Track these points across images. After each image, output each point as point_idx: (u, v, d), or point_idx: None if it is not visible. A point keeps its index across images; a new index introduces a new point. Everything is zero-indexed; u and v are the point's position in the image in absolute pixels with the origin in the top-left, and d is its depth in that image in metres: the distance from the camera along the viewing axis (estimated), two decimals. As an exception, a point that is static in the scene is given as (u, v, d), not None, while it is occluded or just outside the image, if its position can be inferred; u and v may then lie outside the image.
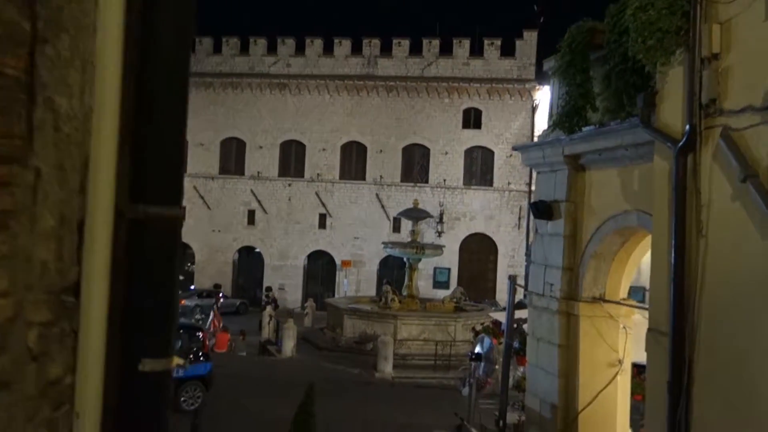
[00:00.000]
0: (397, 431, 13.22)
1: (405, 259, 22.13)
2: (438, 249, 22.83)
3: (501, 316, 17.93)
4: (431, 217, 24.16)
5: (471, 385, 10.61)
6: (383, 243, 24.61)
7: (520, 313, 14.88)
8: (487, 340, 10.37)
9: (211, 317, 22.41)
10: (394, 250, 22.82)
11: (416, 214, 22.03)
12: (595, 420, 7.54)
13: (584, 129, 7.38)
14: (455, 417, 10.03)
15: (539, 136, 8.45)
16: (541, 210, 8.25)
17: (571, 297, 7.77)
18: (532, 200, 8.49)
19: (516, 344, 10.96)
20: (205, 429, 12.01)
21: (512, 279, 10.88)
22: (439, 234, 34.84)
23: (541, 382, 8.38)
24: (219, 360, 19.40)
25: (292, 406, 11.57)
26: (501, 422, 10.37)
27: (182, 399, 13.11)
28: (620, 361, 7.57)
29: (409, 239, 22.31)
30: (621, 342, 7.59)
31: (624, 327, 7.55)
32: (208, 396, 13.60)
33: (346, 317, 20.36)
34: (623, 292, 7.88)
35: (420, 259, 22.09)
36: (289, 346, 19.38)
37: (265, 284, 37.45)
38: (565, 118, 7.52)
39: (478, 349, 10.20)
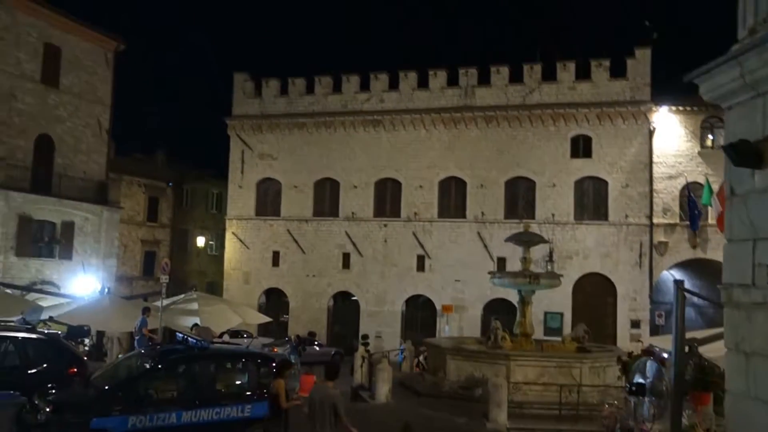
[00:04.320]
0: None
1: (517, 293, 19.17)
2: (556, 278, 19.73)
3: (658, 342, 14.72)
4: (547, 242, 21.15)
5: (630, 430, 7.68)
6: (489, 273, 21.72)
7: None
8: (651, 365, 7.43)
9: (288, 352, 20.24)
10: (503, 281, 19.90)
11: (528, 238, 19.15)
12: None
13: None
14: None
15: (730, 51, 5.57)
16: (744, 153, 5.46)
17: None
18: (727, 142, 5.68)
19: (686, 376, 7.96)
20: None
21: (679, 284, 7.95)
22: (550, 273, 31.49)
23: (757, 420, 5.42)
24: (303, 406, 17.02)
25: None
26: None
27: (250, 446, 10.82)
28: None
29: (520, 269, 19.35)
30: None
31: None
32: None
33: (449, 358, 17.54)
34: None
35: (534, 292, 19.07)
36: (383, 390, 16.74)
37: (362, 332, 34.98)
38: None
39: (638, 378, 7.28)
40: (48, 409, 9.56)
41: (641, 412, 7.43)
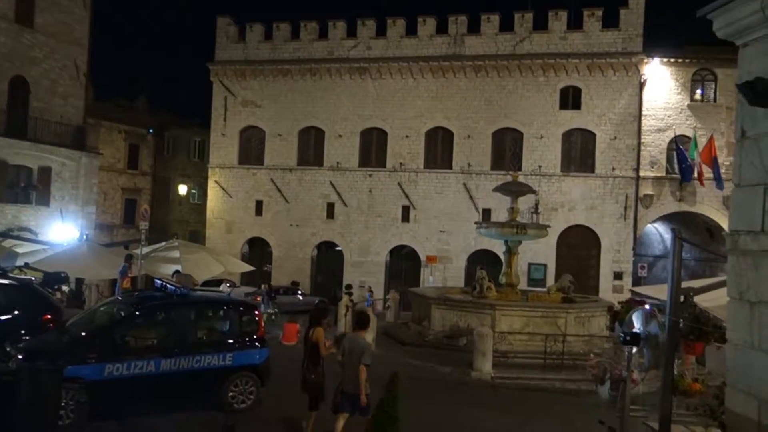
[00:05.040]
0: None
1: (504, 243, 18.91)
2: (543, 229, 19.49)
3: (646, 290, 14.60)
4: (534, 192, 20.84)
5: (624, 381, 7.48)
6: (476, 223, 21.48)
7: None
8: (646, 315, 7.18)
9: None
10: (489, 231, 19.62)
11: (516, 188, 18.80)
12: None
13: None
14: (601, 427, 6.92)
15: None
16: (761, 92, 5.08)
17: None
18: (742, 80, 5.29)
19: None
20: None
21: (677, 231, 7.68)
22: (535, 225, 31.29)
23: (761, 371, 5.19)
24: (286, 353, 16.87)
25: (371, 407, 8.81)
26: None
27: (230, 395, 10.54)
28: None
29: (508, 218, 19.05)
30: None
31: None
32: (263, 392, 10.96)
33: (434, 308, 17.37)
34: None
35: (521, 242, 18.85)
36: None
37: (345, 282, 34.88)
38: None
39: (636, 327, 7.03)
40: (20, 357, 9.22)
41: (634, 362, 7.24)
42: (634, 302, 12.32)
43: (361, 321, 9.46)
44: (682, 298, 7.71)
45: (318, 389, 9.39)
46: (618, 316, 14.52)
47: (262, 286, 30.12)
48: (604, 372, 9.49)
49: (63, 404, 8.76)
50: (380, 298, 29.34)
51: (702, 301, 8.54)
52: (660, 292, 15.71)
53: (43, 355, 9.06)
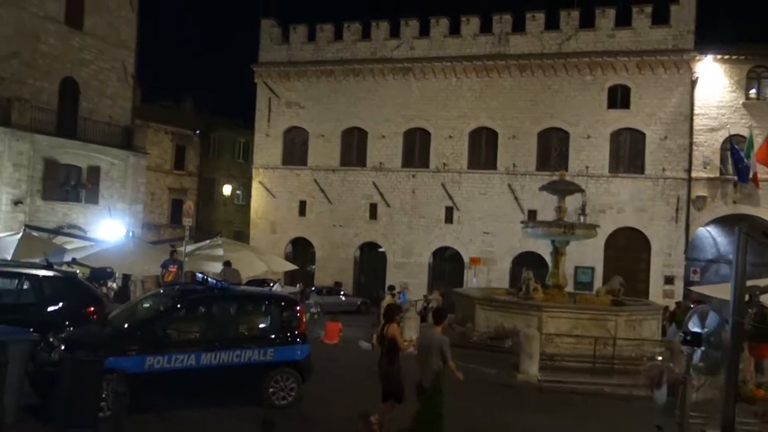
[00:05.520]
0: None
1: (550, 243, 18.40)
2: (592, 229, 18.89)
3: (706, 290, 14.00)
4: (582, 191, 20.27)
5: (683, 383, 7.02)
6: (522, 222, 20.98)
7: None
8: (711, 316, 6.73)
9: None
10: (536, 231, 19.11)
11: (564, 186, 18.28)
12: None
13: None
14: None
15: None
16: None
17: None
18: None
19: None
20: (293, 428, 9.20)
21: (742, 228, 7.22)
22: (582, 227, 30.53)
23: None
24: (328, 352, 16.71)
25: (412, 408, 8.56)
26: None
27: (271, 391, 10.36)
28: None
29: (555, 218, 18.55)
30: None
31: None
32: (304, 389, 10.76)
33: (478, 308, 16.97)
34: None
35: (568, 243, 18.30)
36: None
37: (388, 283, 34.60)
38: None
39: (694, 327, 6.59)
40: (62, 347, 9.22)
41: (695, 364, 6.79)
42: (693, 302, 11.74)
43: (437, 316, 9.43)
44: (747, 297, 7.23)
45: (396, 384, 9.18)
46: (675, 317, 13.93)
47: (297, 285, 30.16)
48: (660, 375, 9.02)
49: (103, 396, 8.71)
50: (417, 299, 28.89)
51: (768, 300, 8.02)
52: (721, 291, 15.07)
53: (85, 346, 9.02)
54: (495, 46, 34.75)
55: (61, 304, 11.45)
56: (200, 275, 11.38)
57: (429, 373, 8.68)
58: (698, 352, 6.71)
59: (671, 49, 31.82)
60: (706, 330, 6.64)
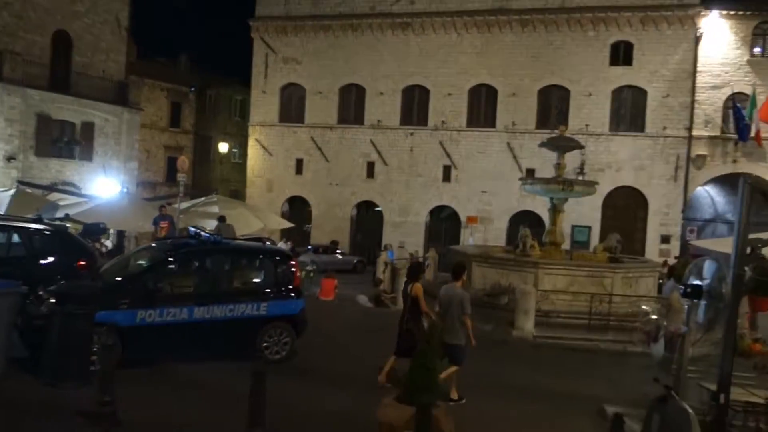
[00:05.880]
0: (551, 401, 9.72)
1: (548, 200, 18.22)
2: (591, 186, 18.70)
3: (706, 244, 13.90)
4: (582, 148, 19.99)
5: (682, 336, 6.92)
6: (521, 179, 20.78)
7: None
8: (710, 265, 6.58)
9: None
10: (535, 187, 18.92)
11: (564, 142, 18.01)
12: None
13: None
14: (653, 386, 6.41)
15: None
16: None
17: None
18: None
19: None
20: (287, 381, 9.14)
21: (747, 178, 7.02)
22: (581, 186, 30.30)
23: None
24: (323, 308, 16.66)
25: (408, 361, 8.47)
26: (722, 396, 6.64)
27: (265, 345, 10.29)
28: None
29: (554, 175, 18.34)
30: None
31: None
32: (298, 343, 10.70)
33: (475, 265, 16.88)
34: None
35: (566, 200, 18.10)
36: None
37: (384, 242, 34.55)
38: None
39: (694, 279, 6.45)
40: (52, 300, 9.09)
41: (695, 317, 6.68)
42: (693, 256, 11.61)
43: (456, 271, 9.67)
44: (748, 250, 7.07)
45: (414, 341, 9.14)
46: (674, 271, 13.83)
47: (288, 243, 29.91)
48: (657, 329, 8.93)
49: (94, 349, 8.61)
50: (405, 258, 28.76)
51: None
52: (721, 245, 14.95)
53: (75, 300, 8.89)
54: (496, 0, 34.03)
55: (51, 258, 11.31)
56: (193, 229, 11.20)
57: (452, 328, 9.05)
58: (702, 306, 6.57)
59: (676, 4, 31.21)
60: (706, 280, 6.50)
